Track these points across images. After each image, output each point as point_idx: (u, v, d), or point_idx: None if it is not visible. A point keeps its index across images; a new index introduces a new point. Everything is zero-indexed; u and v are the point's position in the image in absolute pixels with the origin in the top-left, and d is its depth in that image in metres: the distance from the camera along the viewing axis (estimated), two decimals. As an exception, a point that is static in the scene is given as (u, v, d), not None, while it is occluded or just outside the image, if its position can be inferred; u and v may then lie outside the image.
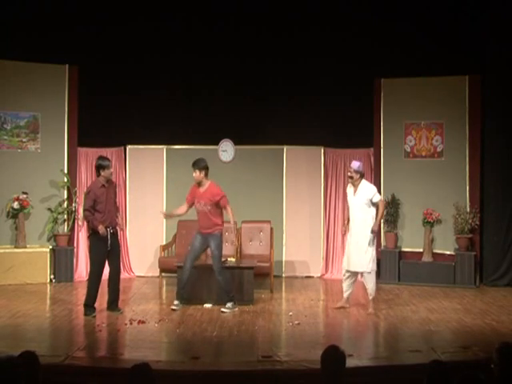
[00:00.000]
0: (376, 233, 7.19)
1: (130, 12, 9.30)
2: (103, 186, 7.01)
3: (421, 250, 9.21)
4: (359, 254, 7.19)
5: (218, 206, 7.39)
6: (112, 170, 7.31)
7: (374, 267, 7.30)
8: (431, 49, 8.98)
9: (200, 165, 7.36)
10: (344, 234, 7.93)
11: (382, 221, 9.36)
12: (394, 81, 9.42)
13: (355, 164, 7.34)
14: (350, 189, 7.39)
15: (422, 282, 8.94)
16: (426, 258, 9.15)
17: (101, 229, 6.82)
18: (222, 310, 7.25)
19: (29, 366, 3.59)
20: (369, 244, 7.17)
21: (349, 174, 7.36)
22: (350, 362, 4.40)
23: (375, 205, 7.22)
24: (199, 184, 7.39)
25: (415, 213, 9.24)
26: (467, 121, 9.09)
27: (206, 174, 7.40)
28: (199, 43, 9.47)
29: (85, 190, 7.28)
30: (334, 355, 3.79)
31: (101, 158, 7.27)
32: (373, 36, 9.16)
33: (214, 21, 9.39)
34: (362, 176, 7.32)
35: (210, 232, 7.35)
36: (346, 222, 7.62)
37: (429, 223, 9.10)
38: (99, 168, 7.05)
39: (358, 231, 7.20)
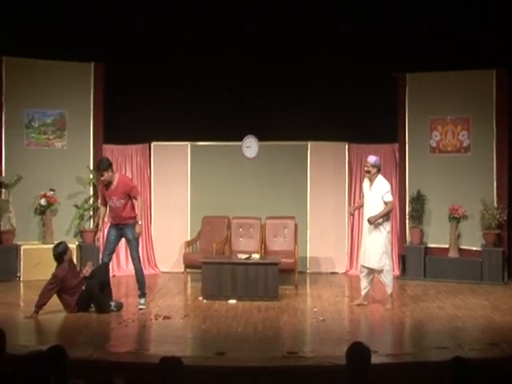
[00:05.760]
0: (371, 223, 7.07)
1: (156, 12, 9.32)
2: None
3: (447, 245, 9.12)
4: (374, 250, 7.13)
5: (131, 198, 7.18)
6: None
7: (390, 263, 7.26)
8: (457, 42, 8.86)
9: (104, 165, 7.09)
10: (351, 214, 7.91)
11: (406, 218, 9.36)
12: (418, 75, 9.32)
13: (372, 158, 7.29)
14: (366, 183, 7.34)
15: (448, 279, 8.85)
16: (453, 254, 9.06)
17: None
18: (140, 307, 7.14)
19: (57, 360, 3.64)
20: (383, 240, 7.12)
21: (365, 168, 7.30)
22: (375, 359, 4.39)
23: (385, 203, 7.13)
24: (108, 183, 7.13)
25: (441, 208, 9.14)
26: (494, 115, 8.95)
27: (113, 170, 7.23)
28: (224, 41, 9.45)
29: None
30: (359, 352, 3.78)
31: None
32: (398, 30, 9.05)
33: (240, 19, 9.35)
34: (378, 170, 7.26)
35: (125, 223, 7.18)
36: (354, 203, 7.68)
37: (455, 219, 9.00)
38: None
39: (372, 227, 7.14)
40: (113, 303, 7.01)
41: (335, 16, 9.22)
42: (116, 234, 7.24)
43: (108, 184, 7.16)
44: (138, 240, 7.36)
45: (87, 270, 7.03)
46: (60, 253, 6.98)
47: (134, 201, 7.22)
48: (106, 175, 7.11)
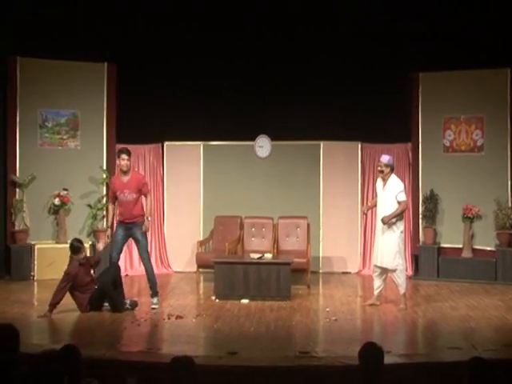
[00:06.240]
0: (384, 223, 7.06)
1: (167, 11, 9.33)
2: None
3: (460, 245, 9.06)
4: (388, 250, 7.12)
5: (141, 195, 7.23)
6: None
7: (404, 263, 7.25)
8: (471, 41, 8.79)
9: (128, 151, 7.20)
10: (365, 214, 7.98)
11: (420, 217, 9.32)
12: (432, 74, 9.28)
13: (385, 158, 7.28)
14: (379, 183, 7.34)
15: (461, 279, 8.80)
16: (466, 254, 9.00)
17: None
18: (153, 306, 7.14)
19: (70, 359, 3.66)
20: (397, 240, 7.09)
21: (379, 168, 7.29)
22: (388, 359, 4.37)
23: (398, 203, 7.12)
24: (125, 172, 7.19)
25: (454, 208, 9.09)
26: (508, 114, 8.89)
27: (131, 164, 7.33)
28: (235, 40, 9.45)
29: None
30: (371, 352, 3.77)
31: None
32: (411, 28, 9.01)
33: (240, 19, 9.33)
34: (392, 170, 7.25)
35: (134, 221, 7.17)
36: (367, 203, 7.66)
37: (468, 218, 8.95)
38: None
39: (385, 227, 7.12)
40: (127, 301, 7.05)
41: (335, 16, 9.19)
42: (123, 234, 7.23)
43: (126, 172, 7.16)
44: (146, 239, 7.38)
45: (101, 244, 7.28)
46: (75, 247, 7.08)
47: (143, 199, 7.25)
48: (127, 160, 7.15)
